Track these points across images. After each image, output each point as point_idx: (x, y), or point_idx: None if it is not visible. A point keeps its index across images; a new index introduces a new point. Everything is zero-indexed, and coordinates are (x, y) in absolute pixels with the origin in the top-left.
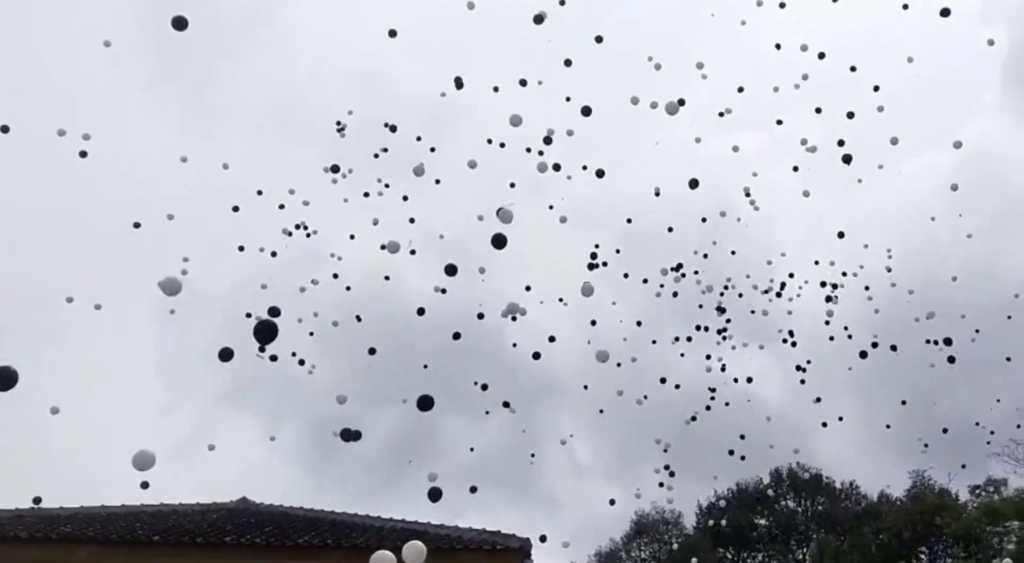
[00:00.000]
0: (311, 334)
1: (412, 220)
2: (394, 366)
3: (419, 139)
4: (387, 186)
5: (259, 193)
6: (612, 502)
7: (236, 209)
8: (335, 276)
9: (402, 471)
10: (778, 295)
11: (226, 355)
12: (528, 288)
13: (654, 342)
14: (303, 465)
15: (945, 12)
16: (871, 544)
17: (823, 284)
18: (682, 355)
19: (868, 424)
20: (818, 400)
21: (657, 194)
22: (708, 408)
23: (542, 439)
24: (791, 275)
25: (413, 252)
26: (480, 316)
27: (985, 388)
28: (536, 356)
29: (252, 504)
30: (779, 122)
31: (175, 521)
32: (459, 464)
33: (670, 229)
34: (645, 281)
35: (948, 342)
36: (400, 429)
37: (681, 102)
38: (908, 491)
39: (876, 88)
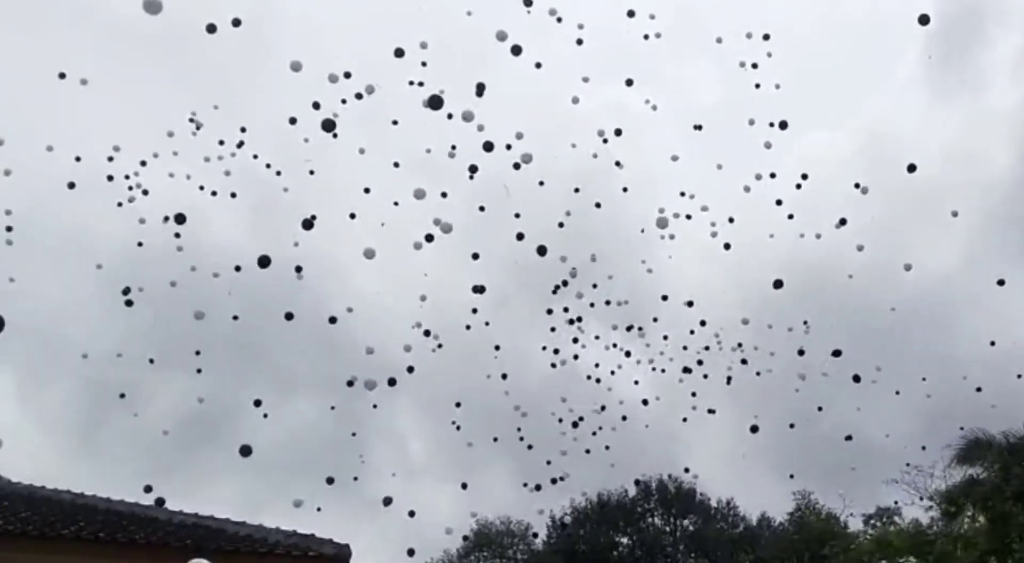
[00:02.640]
0: None
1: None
2: (189, 326)
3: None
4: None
5: None
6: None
7: None
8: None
9: (196, 452)
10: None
11: None
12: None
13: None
14: (69, 437)
15: None
16: None
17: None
18: (547, 349)
19: (745, 436)
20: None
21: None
22: (575, 415)
23: (367, 430)
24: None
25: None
26: (298, 269)
27: (877, 403)
28: (370, 351)
29: (6, 483)
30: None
31: None
32: (267, 452)
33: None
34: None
35: (837, 354)
36: (193, 402)
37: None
38: (791, 514)
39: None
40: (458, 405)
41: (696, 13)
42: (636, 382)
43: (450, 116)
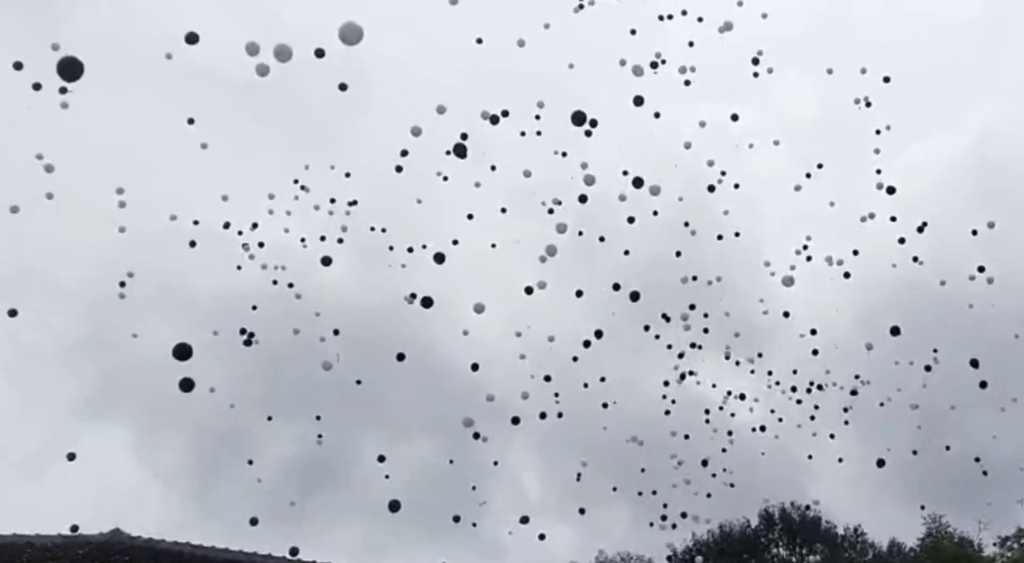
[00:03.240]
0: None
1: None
2: (298, 372)
3: None
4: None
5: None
6: None
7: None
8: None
9: (307, 499)
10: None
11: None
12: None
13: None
14: (185, 490)
15: None
16: None
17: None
18: (668, 384)
19: (870, 459)
20: (828, 437)
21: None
22: (687, 437)
23: (478, 470)
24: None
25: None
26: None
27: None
28: (475, 368)
29: (127, 537)
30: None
31: (31, 556)
32: (376, 495)
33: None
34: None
35: (975, 364)
36: (307, 449)
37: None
38: (922, 540)
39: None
40: (576, 447)
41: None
42: (751, 409)
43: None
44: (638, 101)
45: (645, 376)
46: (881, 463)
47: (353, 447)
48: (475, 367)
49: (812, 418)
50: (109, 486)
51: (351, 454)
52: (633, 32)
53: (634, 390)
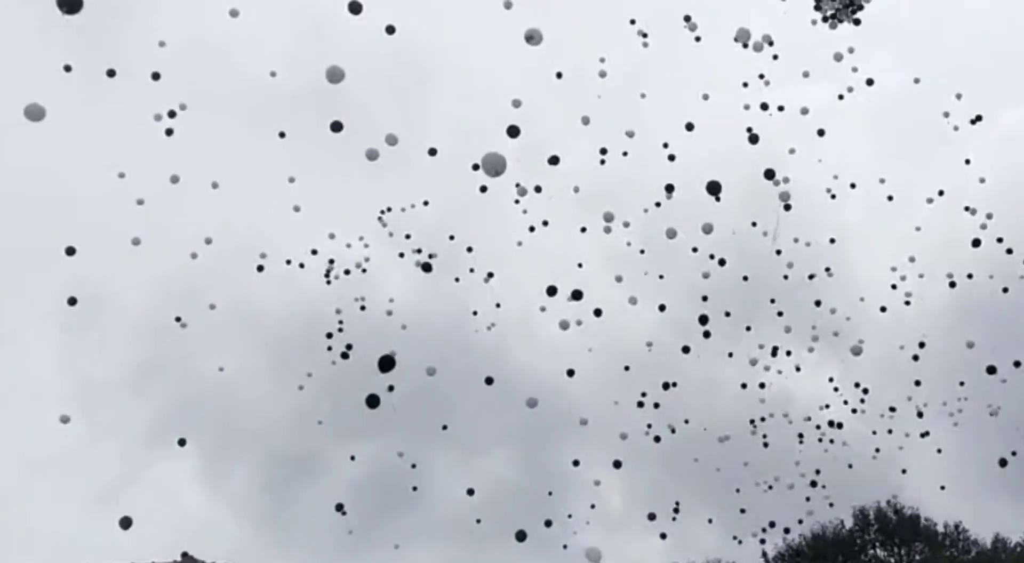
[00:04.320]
0: None
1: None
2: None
3: None
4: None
5: (174, 180)
6: None
7: (141, 202)
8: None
9: (380, 519)
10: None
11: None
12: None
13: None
14: (254, 514)
15: None
16: None
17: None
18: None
19: (966, 452)
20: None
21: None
22: (765, 444)
23: (559, 482)
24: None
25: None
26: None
27: None
28: (571, 373)
29: (195, 562)
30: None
31: None
32: (455, 511)
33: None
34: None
35: None
36: (375, 468)
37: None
38: None
39: None
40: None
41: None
42: (845, 402)
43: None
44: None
45: (729, 378)
46: (1004, 463)
47: (428, 466)
48: (571, 373)
49: (919, 415)
50: (178, 513)
51: (426, 471)
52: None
53: (719, 390)
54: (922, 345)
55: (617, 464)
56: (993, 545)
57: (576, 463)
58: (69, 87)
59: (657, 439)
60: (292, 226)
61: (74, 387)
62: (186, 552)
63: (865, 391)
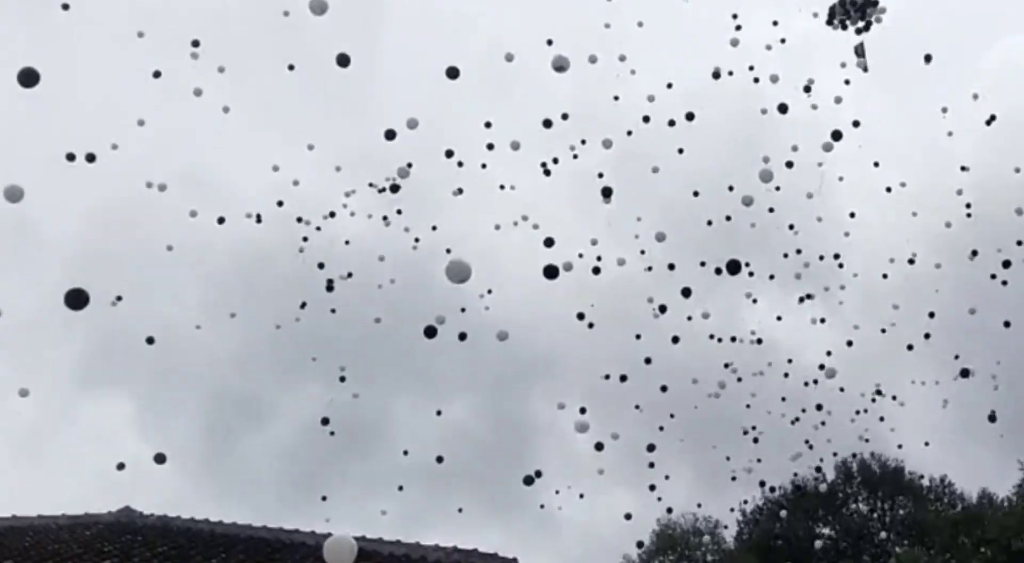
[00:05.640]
0: None
1: None
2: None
3: None
4: None
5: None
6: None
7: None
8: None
9: (336, 470)
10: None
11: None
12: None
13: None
14: (199, 463)
15: None
16: (971, 559)
17: None
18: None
19: (954, 404)
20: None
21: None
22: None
23: (525, 431)
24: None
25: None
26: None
27: None
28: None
29: (138, 515)
30: None
31: (34, 540)
32: (416, 462)
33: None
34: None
35: None
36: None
37: None
38: (1018, 487)
39: None
40: (637, 407)
41: None
42: (828, 352)
43: None
44: None
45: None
46: (966, 373)
47: (384, 409)
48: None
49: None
50: (115, 461)
51: (382, 416)
52: None
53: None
54: (932, 315)
55: (582, 410)
56: (979, 500)
57: (562, 406)
58: None
59: (623, 378)
60: (237, 157)
61: None
62: (128, 506)
63: (849, 344)
